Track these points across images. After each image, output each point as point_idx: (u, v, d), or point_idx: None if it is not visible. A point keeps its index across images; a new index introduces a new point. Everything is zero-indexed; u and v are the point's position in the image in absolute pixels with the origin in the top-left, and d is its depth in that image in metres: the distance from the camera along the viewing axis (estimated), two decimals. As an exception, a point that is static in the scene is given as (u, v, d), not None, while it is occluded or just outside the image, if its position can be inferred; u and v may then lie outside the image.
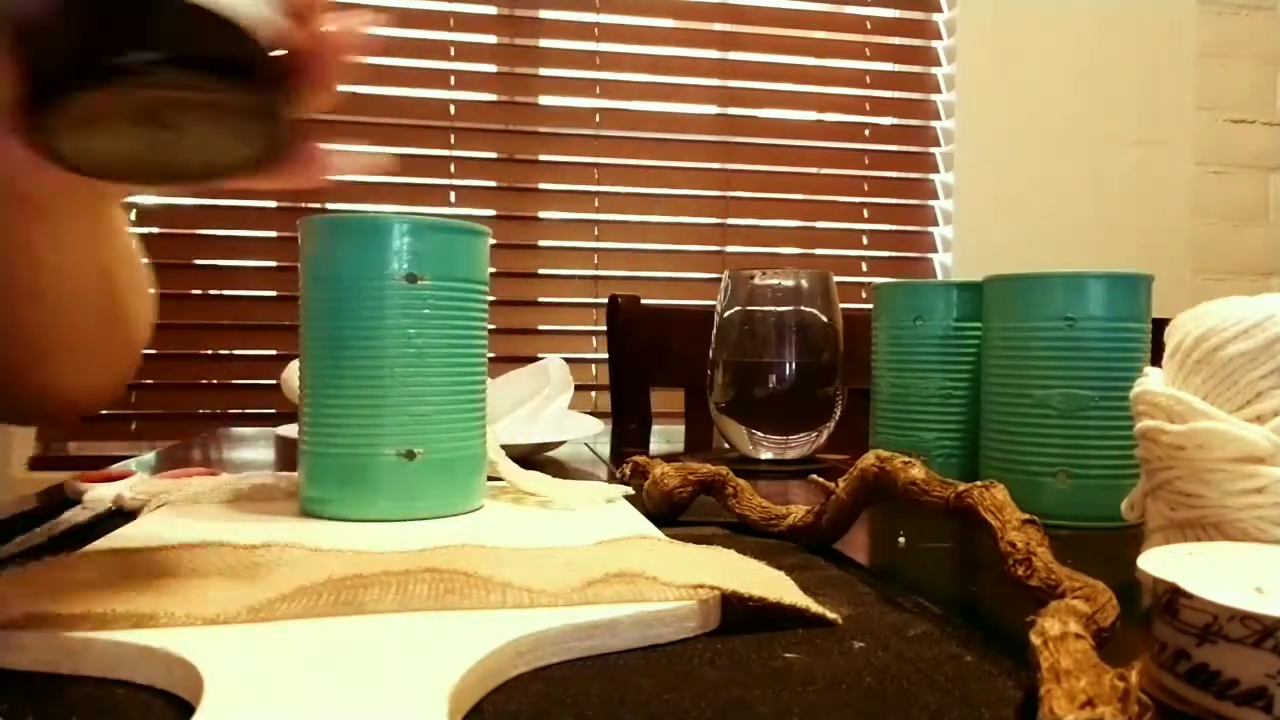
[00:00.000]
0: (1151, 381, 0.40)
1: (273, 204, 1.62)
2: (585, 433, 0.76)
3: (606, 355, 1.27)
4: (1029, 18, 1.80)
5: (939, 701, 0.25)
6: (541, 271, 1.73)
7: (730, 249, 1.77)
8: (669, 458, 0.55)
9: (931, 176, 1.84)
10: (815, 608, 0.31)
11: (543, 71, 1.71)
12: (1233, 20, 1.88)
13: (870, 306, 0.68)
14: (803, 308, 0.76)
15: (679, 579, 0.31)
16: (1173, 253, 1.84)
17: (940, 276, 1.82)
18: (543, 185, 1.72)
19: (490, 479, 0.49)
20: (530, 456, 0.74)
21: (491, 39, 1.69)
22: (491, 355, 0.50)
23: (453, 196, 1.69)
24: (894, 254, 1.83)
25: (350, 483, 0.44)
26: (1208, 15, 1.86)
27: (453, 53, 1.67)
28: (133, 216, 1.56)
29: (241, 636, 0.27)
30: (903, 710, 0.25)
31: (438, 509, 0.45)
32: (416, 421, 0.44)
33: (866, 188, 1.81)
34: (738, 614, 0.31)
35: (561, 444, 0.76)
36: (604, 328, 1.32)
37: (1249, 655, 0.23)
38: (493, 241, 0.49)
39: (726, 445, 0.80)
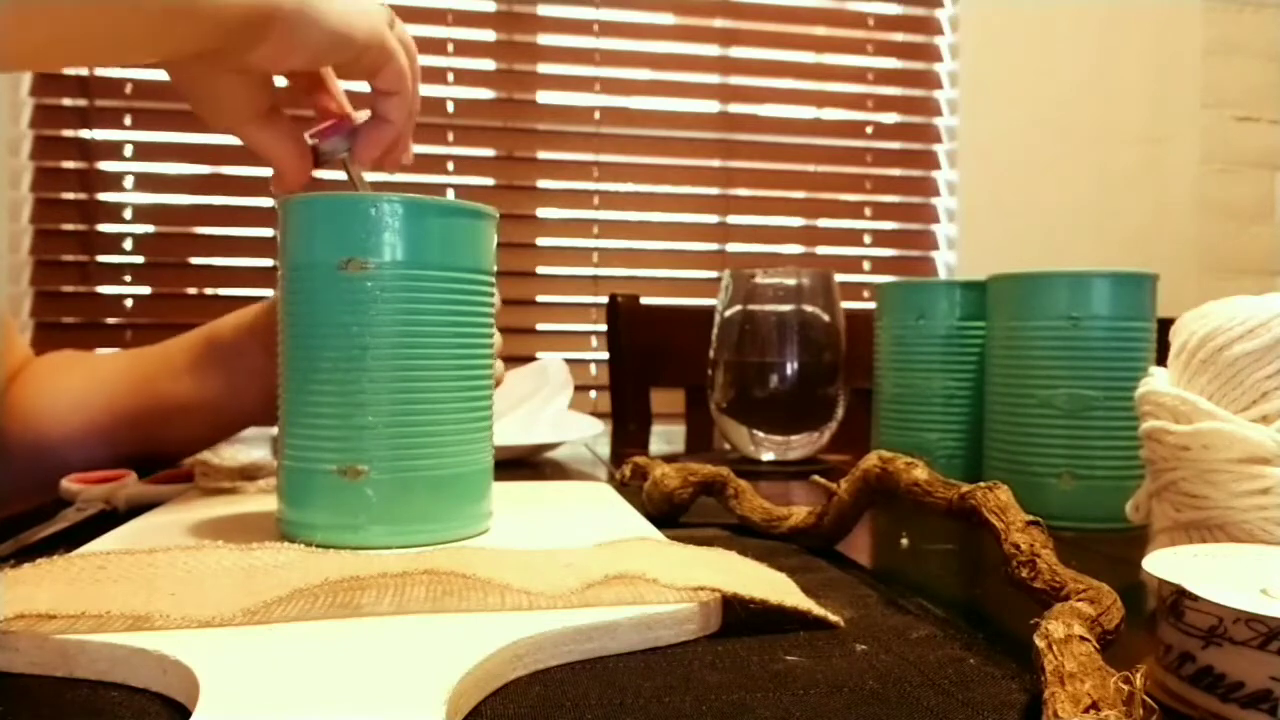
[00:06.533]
0: (1156, 381, 0.40)
1: (269, 202, 1.62)
2: (585, 433, 0.76)
3: (606, 355, 1.26)
4: (1032, 14, 1.80)
5: (942, 705, 0.25)
6: (540, 270, 1.72)
7: (731, 247, 1.77)
8: (669, 458, 0.54)
9: (934, 174, 1.83)
10: (817, 610, 0.31)
11: (541, 68, 1.71)
12: (1238, 17, 1.87)
13: (873, 305, 0.68)
14: (804, 307, 0.76)
15: (679, 581, 0.31)
16: (1178, 251, 1.83)
17: (943, 275, 1.81)
18: (541, 183, 1.72)
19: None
20: (529, 457, 0.74)
21: (490, 35, 1.69)
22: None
23: (451, 194, 1.68)
24: (896, 252, 1.83)
25: (321, 503, 0.37)
26: (1213, 12, 1.85)
27: (451, 49, 1.67)
28: (129, 215, 1.56)
29: (237, 639, 0.27)
30: (905, 714, 0.24)
31: (436, 534, 0.38)
32: (396, 435, 0.37)
33: (869, 185, 1.81)
34: (738, 616, 0.31)
35: (561, 445, 0.76)
36: (604, 327, 1.31)
37: (1254, 658, 0.23)
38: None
39: (727, 446, 0.80)
